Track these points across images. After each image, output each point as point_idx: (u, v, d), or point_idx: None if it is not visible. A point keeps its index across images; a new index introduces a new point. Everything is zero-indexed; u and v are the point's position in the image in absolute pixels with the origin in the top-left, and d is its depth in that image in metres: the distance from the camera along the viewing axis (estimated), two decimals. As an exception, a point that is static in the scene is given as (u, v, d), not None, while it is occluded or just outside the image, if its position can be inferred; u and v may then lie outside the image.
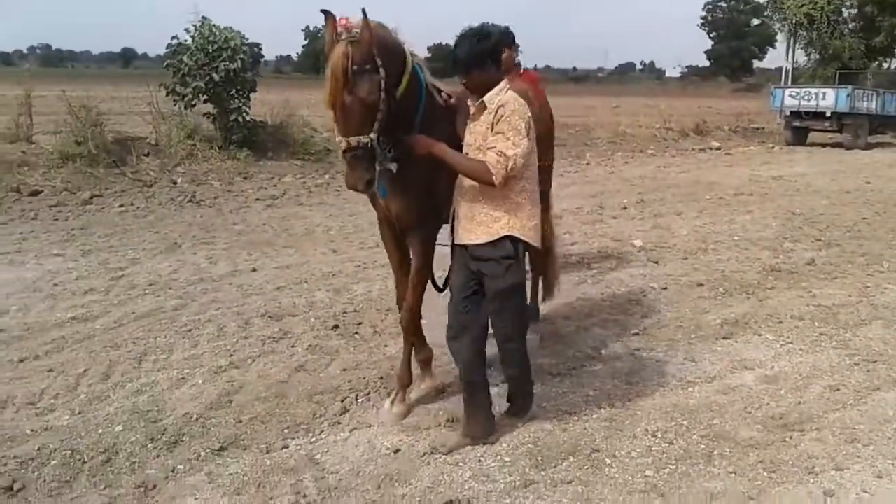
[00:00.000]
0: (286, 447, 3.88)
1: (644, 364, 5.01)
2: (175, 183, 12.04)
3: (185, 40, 13.51)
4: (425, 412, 4.25)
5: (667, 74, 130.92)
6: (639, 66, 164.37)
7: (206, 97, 13.59)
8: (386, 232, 4.26)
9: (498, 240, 3.65)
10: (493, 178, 3.50)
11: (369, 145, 3.50)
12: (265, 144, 14.69)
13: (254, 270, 7.30)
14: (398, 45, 3.69)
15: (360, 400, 4.43)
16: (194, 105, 13.65)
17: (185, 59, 13.30)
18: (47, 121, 12.90)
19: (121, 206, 10.46)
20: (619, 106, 31.37)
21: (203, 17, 13.64)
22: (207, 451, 3.79)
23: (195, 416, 4.13)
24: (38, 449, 3.76)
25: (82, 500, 3.36)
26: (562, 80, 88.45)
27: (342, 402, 4.38)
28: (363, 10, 3.34)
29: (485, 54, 3.60)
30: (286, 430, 4.06)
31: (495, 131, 3.55)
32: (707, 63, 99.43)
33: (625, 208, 11.06)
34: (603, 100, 38.27)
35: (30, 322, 5.60)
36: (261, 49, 14.22)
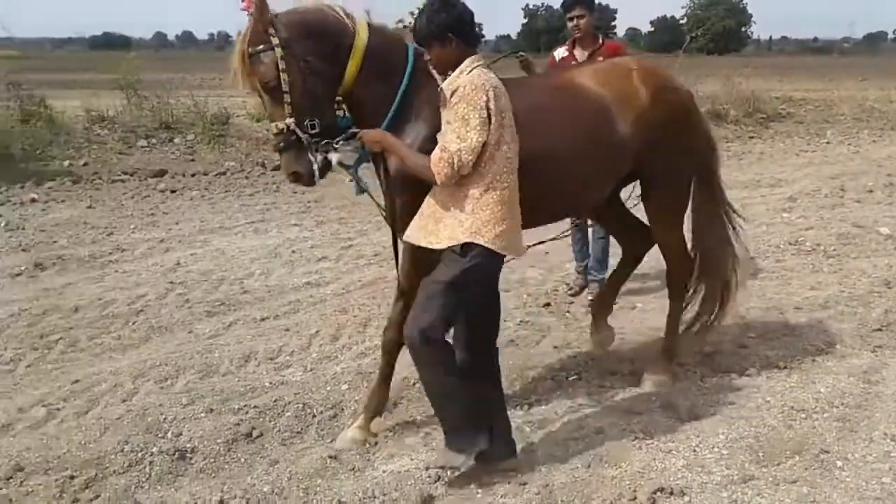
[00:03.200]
0: (496, 418, 3.96)
1: (886, 363, 4.51)
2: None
3: (410, 24, 14.04)
4: (640, 397, 4.15)
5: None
6: (891, 36, 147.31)
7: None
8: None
9: (461, 245, 3.12)
10: (435, 176, 3.07)
11: (286, 131, 3.32)
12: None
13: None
14: (330, 24, 3.40)
15: (570, 378, 4.41)
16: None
17: (411, 41, 13.83)
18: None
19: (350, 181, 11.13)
20: (867, 79, 28.34)
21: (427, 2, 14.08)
22: (422, 414, 3.96)
23: (413, 381, 4.32)
24: (275, 401, 4.10)
25: (311, 451, 3.64)
26: (799, 52, 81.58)
27: (552, 379, 4.39)
28: None
29: (445, 26, 3.11)
30: (498, 402, 4.13)
31: (445, 120, 3.16)
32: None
33: (870, 191, 9.99)
34: (848, 73, 34.83)
35: (271, 285, 6.15)
36: (481, 28, 14.40)
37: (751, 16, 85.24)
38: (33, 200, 9.08)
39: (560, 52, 5.72)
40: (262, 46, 3.27)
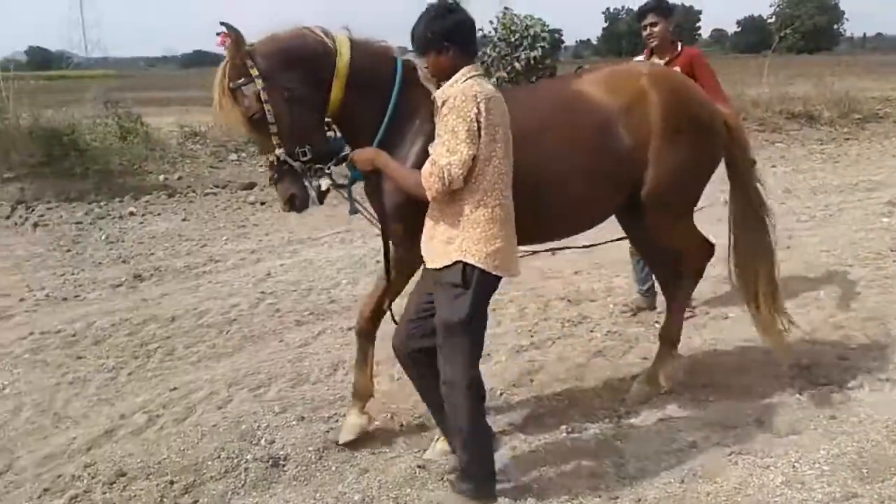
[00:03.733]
0: (586, 430, 3.91)
1: None
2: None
3: (489, 32, 14.10)
4: (735, 410, 4.03)
5: None
6: None
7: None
8: None
9: (451, 264, 3.04)
10: (426, 192, 2.98)
11: (277, 163, 3.31)
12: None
13: (552, 254, 7.42)
14: (310, 48, 3.34)
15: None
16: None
17: (487, 50, 13.89)
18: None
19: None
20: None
21: (506, 8, 14.14)
22: (510, 426, 3.95)
23: (499, 391, 4.32)
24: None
25: (400, 461, 3.67)
26: (894, 49, 77.80)
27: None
28: (222, 24, 3.16)
29: (442, 33, 3.02)
30: (585, 414, 4.09)
31: (436, 133, 3.07)
32: None
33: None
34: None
35: (357, 294, 6.25)
36: (561, 35, 14.36)
37: (843, 12, 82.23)
38: (131, 214, 9.51)
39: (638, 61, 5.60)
40: (242, 80, 3.24)
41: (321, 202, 3.46)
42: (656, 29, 5.23)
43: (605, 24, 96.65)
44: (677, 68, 4.91)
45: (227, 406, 4.31)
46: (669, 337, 4.33)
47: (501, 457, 3.51)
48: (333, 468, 3.63)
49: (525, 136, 3.32)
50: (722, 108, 4.11)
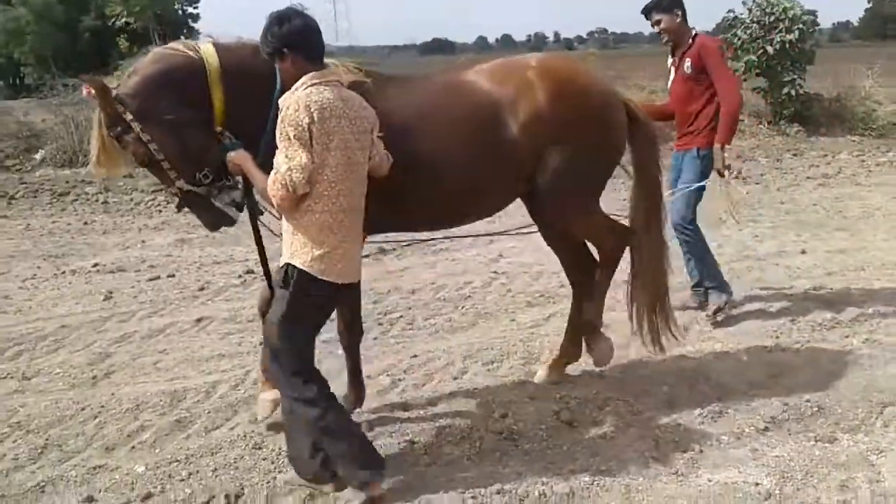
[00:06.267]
0: (835, 440, 3.63)
1: None
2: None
3: (741, 14, 13.30)
4: None
5: None
6: None
7: (757, 71, 13.23)
8: None
9: (281, 267, 3.11)
10: (273, 200, 2.99)
11: (181, 193, 3.29)
12: (818, 119, 13.75)
13: (802, 252, 6.92)
14: (175, 68, 3.26)
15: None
16: (745, 80, 13.41)
17: (738, 32, 13.11)
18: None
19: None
20: None
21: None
22: (752, 428, 3.76)
23: (740, 391, 4.12)
24: (595, 393, 4.16)
25: (630, 448, 3.63)
26: None
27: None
28: (80, 77, 3.05)
29: (279, 41, 2.99)
30: (836, 423, 3.79)
31: (277, 140, 3.00)
32: None
33: None
34: None
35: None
36: (816, 16, 13.11)
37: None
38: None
39: (669, 60, 5.40)
40: (119, 128, 3.21)
41: (241, 211, 3.46)
42: (662, 26, 5.15)
43: (869, 5, 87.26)
44: (688, 60, 5.02)
45: (462, 377, 4.49)
46: (591, 322, 4.25)
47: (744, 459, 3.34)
48: (565, 448, 3.66)
49: (410, 125, 3.48)
50: (624, 97, 4.09)
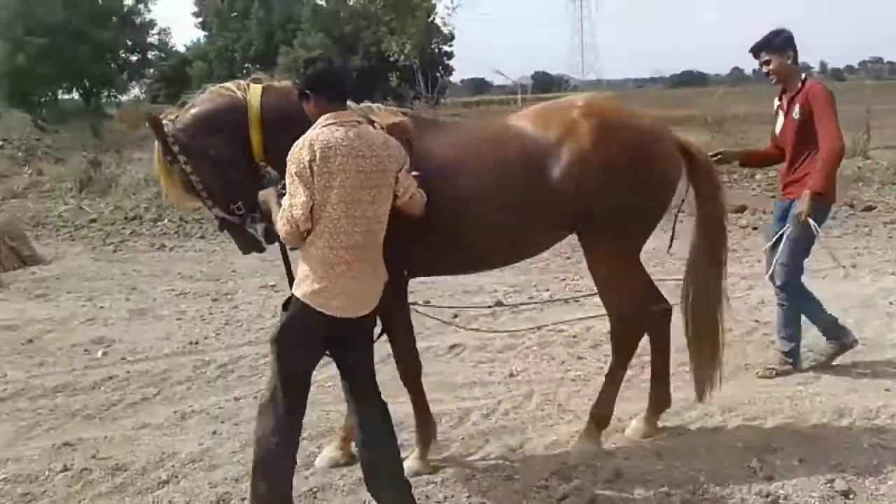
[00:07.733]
0: None
1: None
2: None
3: None
4: None
5: None
6: None
7: None
8: None
9: (288, 298, 3.25)
10: (281, 235, 3.17)
11: (217, 219, 3.65)
12: None
13: None
14: (220, 109, 3.57)
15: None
16: None
17: None
18: (884, 135, 12.81)
19: None
20: None
21: None
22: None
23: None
24: (875, 464, 3.79)
25: None
26: None
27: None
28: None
29: (303, 84, 3.19)
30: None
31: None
32: None
33: None
34: None
35: (865, 337, 5.62)
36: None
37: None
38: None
39: (776, 103, 5.15)
40: (169, 157, 3.52)
41: (270, 241, 3.62)
42: (771, 66, 4.97)
43: None
44: (797, 105, 4.83)
45: (721, 431, 4.27)
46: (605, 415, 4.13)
47: None
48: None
49: (447, 166, 3.56)
50: (679, 137, 3.98)
